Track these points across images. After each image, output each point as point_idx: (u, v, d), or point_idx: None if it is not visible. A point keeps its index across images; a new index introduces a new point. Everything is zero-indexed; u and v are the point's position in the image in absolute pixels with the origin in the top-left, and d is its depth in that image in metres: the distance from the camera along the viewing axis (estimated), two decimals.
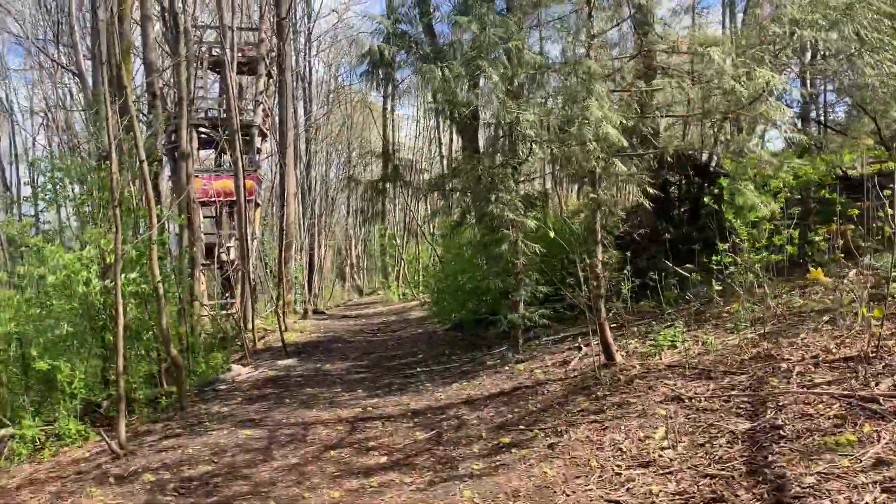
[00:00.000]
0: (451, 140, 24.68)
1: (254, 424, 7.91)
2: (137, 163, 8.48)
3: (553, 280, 9.12)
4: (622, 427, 5.72)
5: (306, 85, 36.21)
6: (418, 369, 10.61)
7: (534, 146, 7.84)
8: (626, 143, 6.38)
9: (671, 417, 5.77)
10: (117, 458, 6.90)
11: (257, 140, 24.50)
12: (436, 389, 8.88)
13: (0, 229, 9.47)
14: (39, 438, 8.65)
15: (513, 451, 5.68)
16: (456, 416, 7.10)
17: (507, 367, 9.20)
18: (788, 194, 8.62)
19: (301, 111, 34.59)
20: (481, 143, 12.26)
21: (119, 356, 7.06)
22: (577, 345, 9.35)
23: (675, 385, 6.47)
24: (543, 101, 7.88)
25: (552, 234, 6.94)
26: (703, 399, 5.94)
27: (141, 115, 19.13)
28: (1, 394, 10.42)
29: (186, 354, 10.84)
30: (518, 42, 7.51)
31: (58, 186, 11.60)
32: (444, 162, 24.55)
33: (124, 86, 8.69)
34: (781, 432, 4.86)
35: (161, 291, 9.03)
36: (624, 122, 6.41)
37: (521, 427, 6.27)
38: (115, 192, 7.04)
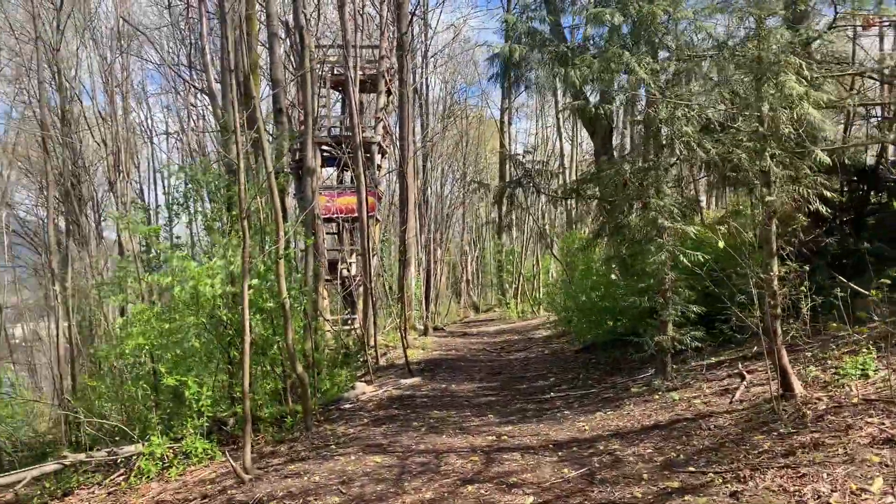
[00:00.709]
0: (574, 151, 23.73)
1: (381, 450, 7.38)
2: (265, 174, 8.24)
3: (713, 298, 8.07)
4: (824, 475, 4.68)
5: (423, 102, 36.33)
6: (552, 394, 9.79)
7: (690, 144, 6.91)
8: (828, 126, 5.37)
9: (888, 465, 4.68)
10: (242, 482, 6.54)
11: (377, 157, 24.61)
12: (576, 418, 8.04)
13: (134, 231, 9.46)
14: (167, 456, 8.54)
15: (686, 497, 4.77)
16: (608, 451, 6.24)
17: (656, 396, 8.21)
18: None
19: (418, 128, 34.70)
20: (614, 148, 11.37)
21: (245, 374, 6.73)
22: (736, 371, 8.24)
23: (882, 424, 5.34)
24: (701, 93, 6.91)
25: (721, 244, 5.98)
26: None
27: (268, 134, 19.55)
28: (137, 409, 10.54)
29: (311, 371, 10.56)
30: (689, 12, 6.63)
31: (190, 199, 11.77)
32: (567, 174, 23.61)
33: (252, 96, 8.52)
34: None
35: (287, 306, 8.74)
36: (830, 98, 5.39)
37: (691, 469, 5.33)
38: (243, 202, 6.75)
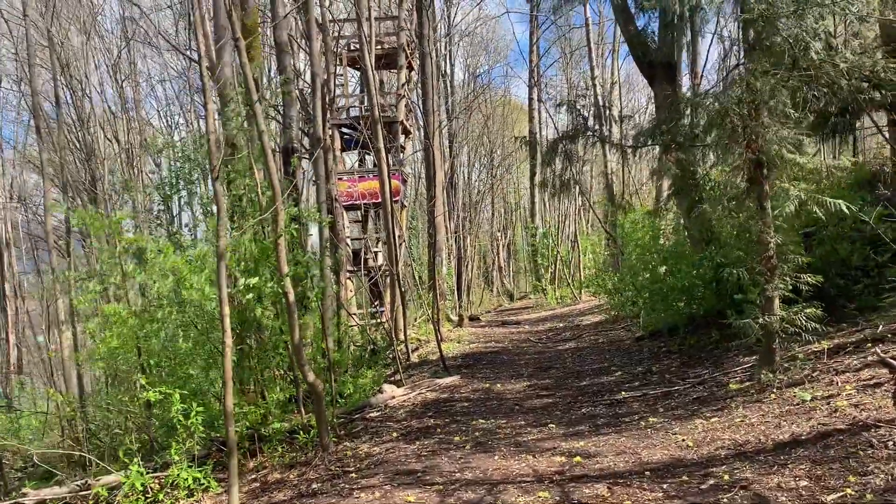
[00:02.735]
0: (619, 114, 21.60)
1: (415, 480, 5.59)
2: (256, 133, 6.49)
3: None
4: None
5: (447, 81, 34.61)
6: (624, 393, 7.90)
7: (829, 45, 4.95)
8: None
9: None
10: None
11: (401, 138, 22.85)
12: (668, 427, 6.15)
13: (85, 224, 7.78)
14: (152, 488, 6.88)
15: None
16: (738, 482, 4.35)
17: (771, 394, 6.28)
18: None
19: (443, 110, 32.92)
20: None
21: (226, 389, 4.98)
22: (873, 359, 6.28)
23: None
24: None
25: None
26: None
27: (274, 110, 17.91)
28: (118, 435, 8.90)
29: (329, 375, 8.82)
30: None
31: (184, 180, 10.16)
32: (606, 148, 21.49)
33: (251, 58, 6.73)
34: None
35: (291, 297, 6.99)
36: None
37: None
38: (214, 156, 4.98)
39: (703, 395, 7.03)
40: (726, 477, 4.49)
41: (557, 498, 4.65)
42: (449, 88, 34.96)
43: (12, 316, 28.49)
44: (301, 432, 7.71)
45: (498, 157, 44.84)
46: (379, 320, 18.42)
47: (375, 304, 21.63)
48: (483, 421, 7.49)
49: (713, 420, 5.99)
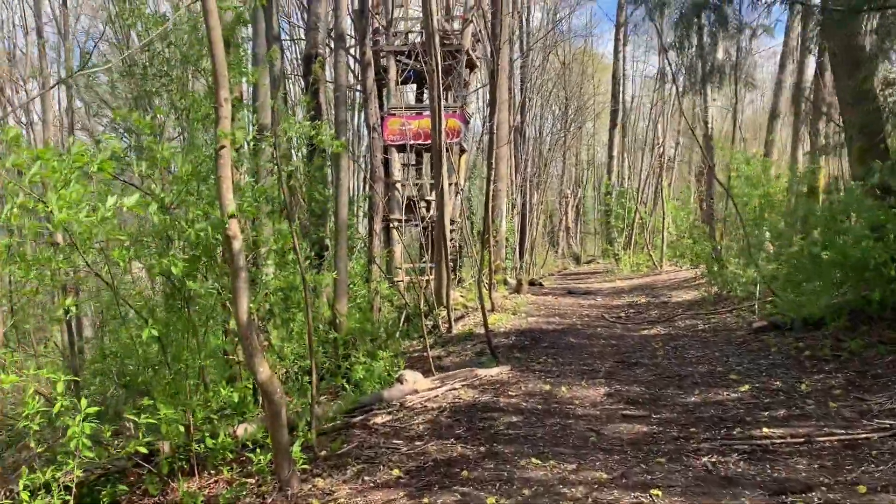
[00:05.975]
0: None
1: None
2: None
3: None
4: None
5: (523, 18, 31.23)
6: (767, 430, 4.90)
7: None
8: None
9: None
10: None
11: (465, 72, 19.80)
12: None
13: None
14: None
15: None
16: None
17: None
18: None
19: (516, 47, 29.58)
20: None
21: None
22: None
23: None
24: None
25: None
26: None
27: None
28: None
29: (311, 358, 6.10)
30: None
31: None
32: None
33: None
34: None
35: (236, 245, 4.27)
36: None
37: None
38: None
39: None
40: None
41: None
42: (524, 25, 31.66)
43: None
44: (258, 449, 5.06)
45: (573, 111, 41.16)
46: (429, 277, 15.70)
47: (424, 259, 18.91)
48: (538, 462, 4.66)
49: None
